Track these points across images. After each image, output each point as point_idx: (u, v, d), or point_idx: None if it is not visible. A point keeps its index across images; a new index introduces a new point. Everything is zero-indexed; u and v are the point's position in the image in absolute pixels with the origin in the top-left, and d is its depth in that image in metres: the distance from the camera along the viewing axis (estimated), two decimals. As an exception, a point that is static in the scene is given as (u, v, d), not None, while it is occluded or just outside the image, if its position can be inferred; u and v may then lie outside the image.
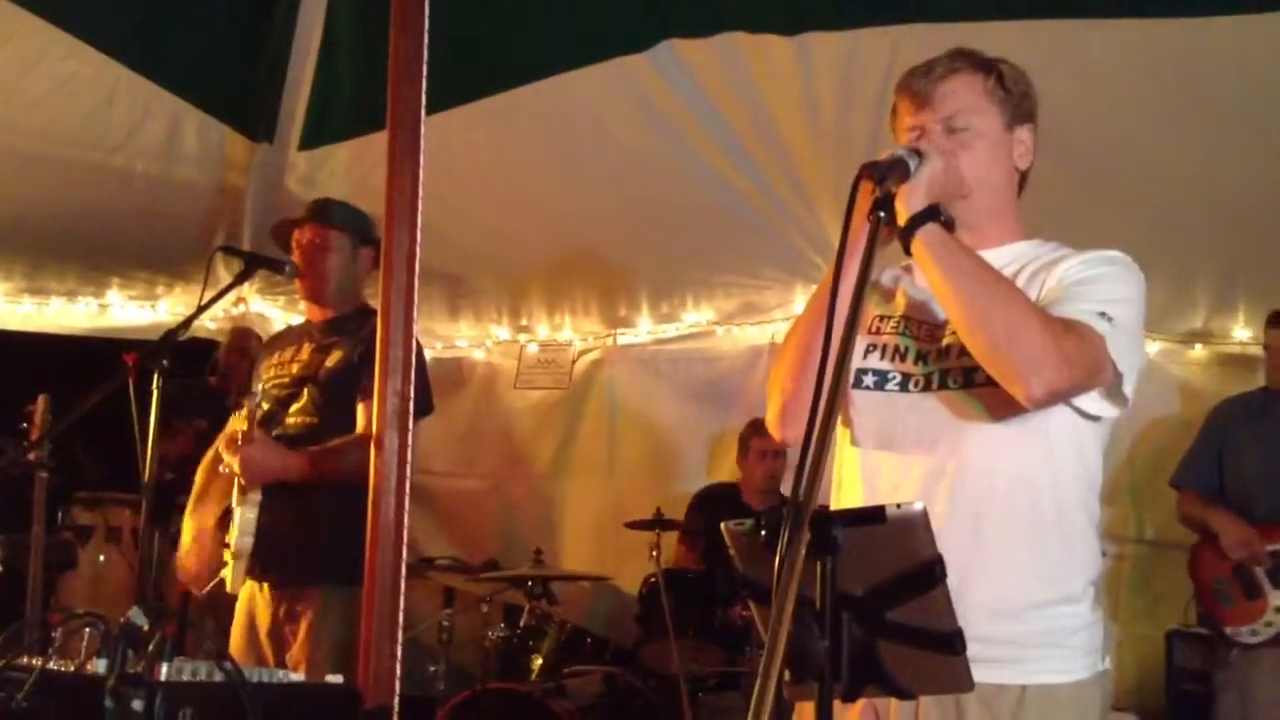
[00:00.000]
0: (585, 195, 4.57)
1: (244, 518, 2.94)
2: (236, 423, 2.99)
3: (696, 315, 5.45)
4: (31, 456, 3.23)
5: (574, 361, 5.90)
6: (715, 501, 4.71)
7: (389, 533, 2.31)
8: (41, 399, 3.43)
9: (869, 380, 1.80)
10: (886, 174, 1.62)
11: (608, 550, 5.18)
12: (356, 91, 4.40)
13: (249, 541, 2.93)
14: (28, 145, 4.21)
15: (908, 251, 1.67)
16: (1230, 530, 3.79)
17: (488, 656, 4.08)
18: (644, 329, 5.64)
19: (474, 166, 4.42)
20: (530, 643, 4.55)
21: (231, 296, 5.66)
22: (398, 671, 2.26)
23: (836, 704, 1.31)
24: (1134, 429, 4.39)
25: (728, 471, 5.01)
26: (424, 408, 2.84)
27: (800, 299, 5.05)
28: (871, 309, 1.86)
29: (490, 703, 3.25)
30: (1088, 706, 1.69)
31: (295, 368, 3.20)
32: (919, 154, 1.68)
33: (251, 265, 3.18)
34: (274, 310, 6.24)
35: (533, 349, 6.05)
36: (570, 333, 5.92)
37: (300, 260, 3.26)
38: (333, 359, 3.15)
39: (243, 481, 2.95)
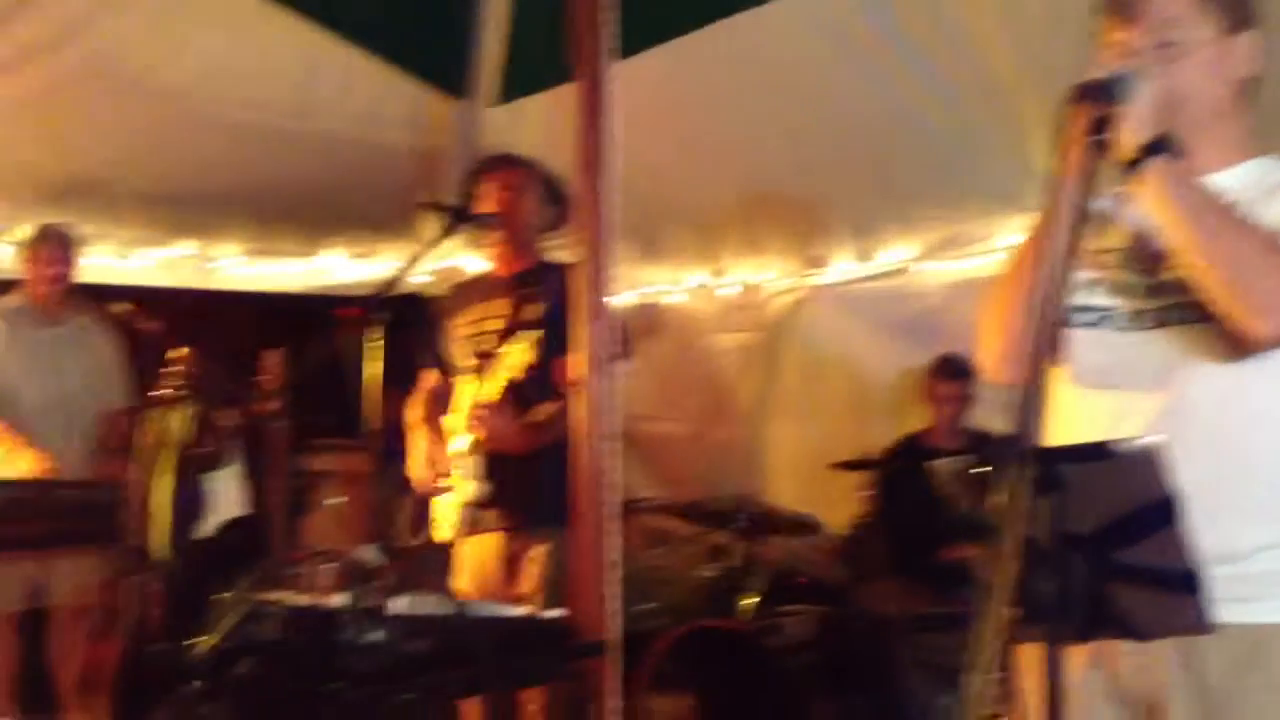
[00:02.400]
0: (778, 134, 4.50)
1: (472, 467, 3.06)
2: (471, 387, 3.09)
3: (896, 252, 5.31)
4: (269, 408, 3.45)
5: (770, 303, 5.87)
6: (905, 454, 4.62)
7: (597, 476, 2.37)
8: (275, 353, 3.66)
9: (1090, 317, 1.72)
10: (1105, 95, 1.52)
11: (814, 491, 5.16)
12: (548, 43, 4.44)
13: (478, 489, 3.05)
14: (243, 116, 4.45)
15: (1130, 182, 1.58)
16: None
17: (698, 596, 4.13)
18: (842, 267, 5.54)
19: (664, 110, 4.41)
20: (740, 582, 4.60)
21: (439, 251, 5.92)
22: (612, 608, 2.33)
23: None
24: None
25: (914, 412, 4.89)
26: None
27: (1006, 231, 4.85)
28: (1089, 241, 1.77)
29: (705, 639, 3.31)
30: None
31: (496, 321, 3.28)
32: (1136, 74, 1.57)
33: (457, 219, 3.29)
34: (479, 263, 6.44)
35: (728, 292, 6.05)
36: (766, 274, 5.88)
37: (497, 206, 3.33)
38: (533, 311, 3.21)
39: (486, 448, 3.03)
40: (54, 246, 4.27)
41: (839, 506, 4.82)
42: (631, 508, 5.07)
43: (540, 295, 3.26)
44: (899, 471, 4.56)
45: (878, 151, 4.44)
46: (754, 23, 3.92)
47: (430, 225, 4.89)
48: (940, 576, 4.11)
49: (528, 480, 3.03)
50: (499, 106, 4.80)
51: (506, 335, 3.21)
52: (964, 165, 4.35)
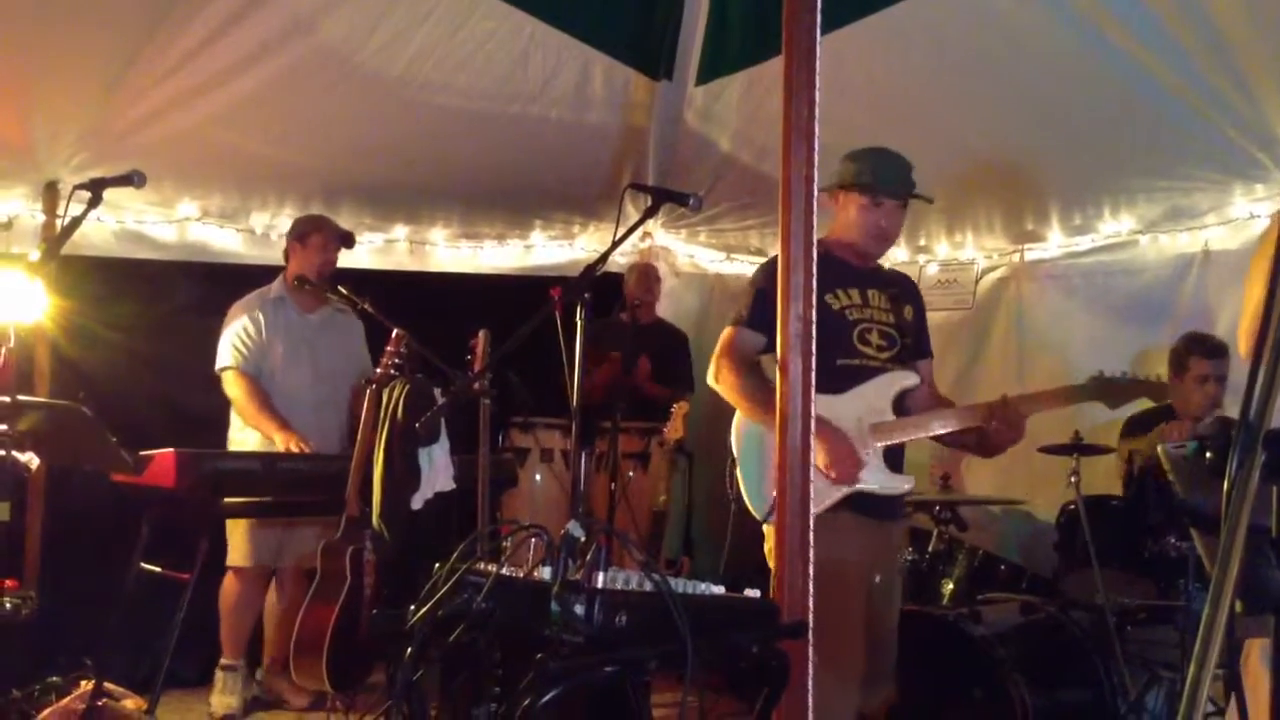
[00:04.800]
0: (985, 104, 4.34)
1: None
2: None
3: (1115, 225, 5.05)
4: (476, 386, 3.58)
5: (978, 280, 5.69)
6: (1148, 427, 4.37)
7: (796, 457, 2.35)
8: (482, 334, 3.80)
9: None
10: None
11: (1019, 475, 4.98)
12: (748, 21, 4.44)
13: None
14: (457, 102, 4.60)
15: None
16: None
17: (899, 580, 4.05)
18: (1054, 243, 5.31)
19: (867, 84, 4.32)
20: (940, 568, 4.50)
21: (639, 231, 6.01)
22: (810, 589, 2.31)
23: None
24: None
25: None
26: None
27: (1239, 201, 4.53)
28: None
29: (905, 625, 3.25)
30: None
31: (880, 312, 3.34)
32: None
33: (658, 200, 3.32)
34: (677, 243, 6.51)
35: (933, 269, 5.90)
36: (973, 250, 5.71)
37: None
38: (910, 312, 3.37)
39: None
40: (319, 236, 4.58)
41: (1047, 490, 4.63)
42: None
43: (913, 297, 3.41)
44: (1134, 454, 4.35)
45: (1097, 119, 4.22)
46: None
47: (631, 205, 4.99)
48: (1154, 567, 3.90)
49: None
50: (700, 87, 4.81)
51: (904, 334, 3.29)
52: (1188, 132, 4.09)
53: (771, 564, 2.48)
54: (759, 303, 3.17)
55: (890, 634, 3.24)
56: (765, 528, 3.01)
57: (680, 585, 1.92)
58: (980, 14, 3.88)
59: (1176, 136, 4.19)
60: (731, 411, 3.24)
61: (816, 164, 2.43)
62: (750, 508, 3.18)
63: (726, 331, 3.28)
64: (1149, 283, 4.97)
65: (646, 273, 5.88)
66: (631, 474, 5.16)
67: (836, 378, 3.14)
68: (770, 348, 3.12)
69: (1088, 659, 3.82)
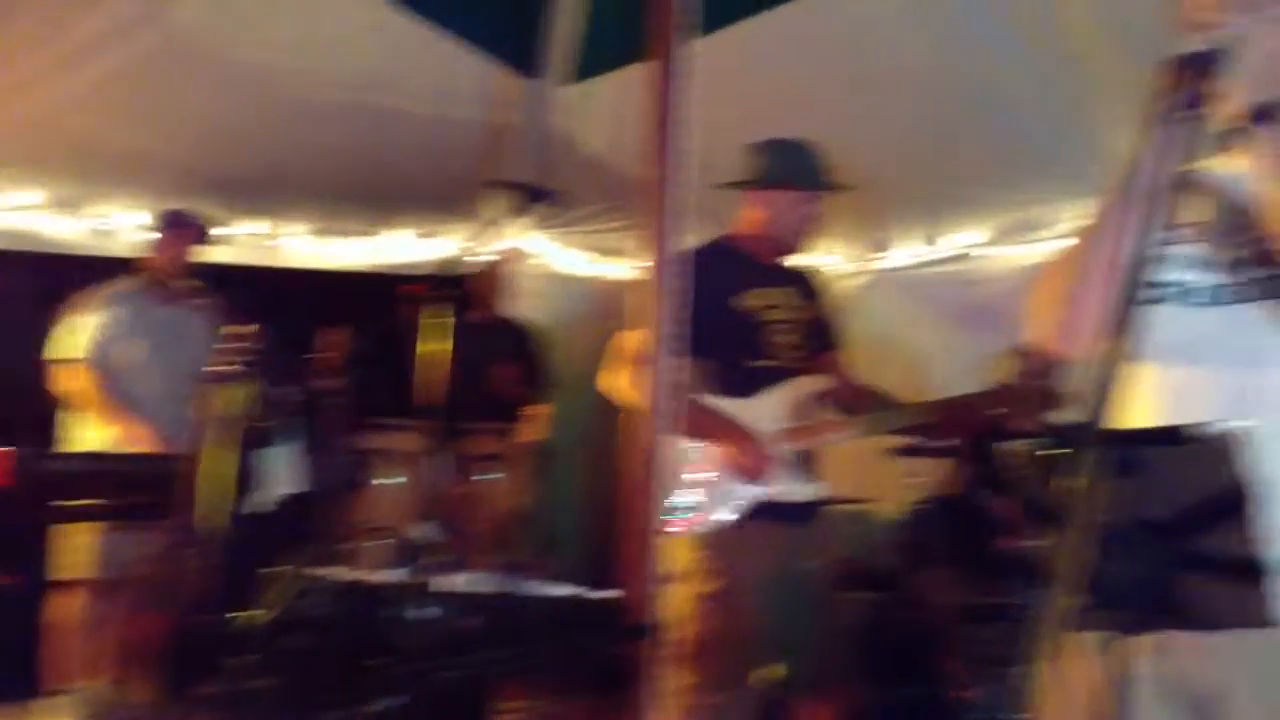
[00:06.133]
0: (845, 113, 4.42)
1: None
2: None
3: (965, 236, 5.20)
4: (329, 385, 3.48)
5: (832, 287, 5.79)
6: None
7: (655, 458, 2.33)
8: (338, 332, 3.69)
9: (1169, 292, 1.65)
10: (1198, 64, 1.45)
11: (868, 477, 5.08)
12: (622, 21, 4.41)
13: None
14: (318, 93, 4.46)
15: (1228, 154, 1.52)
16: None
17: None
18: (907, 252, 5.44)
19: (737, 91, 4.35)
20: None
21: (512, 231, 5.92)
22: (657, 590, 2.30)
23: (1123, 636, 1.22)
24: None
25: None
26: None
27: (1082, 215, 4.71)
28: (1173, 214, 1.70)
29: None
30: None
31: (787, 312, 3.29)
32: (1232, 43, 1.50)
33: (524, 197, 3.27)
34: (548, 244, 6.45)
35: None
36: (829, 257, 5.80)
37: None
38: (819, 309, 3.38)
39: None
40: (178, 230, 4.40)
41: (897, 492, 4.73)
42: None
43: (818, 291, 3.35)
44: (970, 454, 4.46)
45: (947, 133, 4.33)
46: (827, 2, 3.83)
47: (496, 204, 4.91)
48: (999, 565, 4.01)
49: None
50: (571, 85, 4.77)
51: (814, 330, 3.23)
52: (1035, 146, 4.23)
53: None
54: None
55: (822, 640, 3.14)
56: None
57: (533, 588, 1.89)
58: (845, 25, 3.95)
59: (1028, 152, 4.33)
60: (614, 413, 3.13)
61: (683, 169, 2.43)
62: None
63: (630, 333, 3.12)
64: (996, 293, 5.12)
65: (498, 271, 5.78)
66: (489, 475, 5.08)
67: (748, 380, 3.10)
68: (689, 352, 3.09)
69: (927, 657, 3.89)
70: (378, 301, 3.14)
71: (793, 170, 3.19)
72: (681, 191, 2.39)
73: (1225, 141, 1.51)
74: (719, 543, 3.01)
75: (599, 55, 4.51)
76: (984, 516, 4.06)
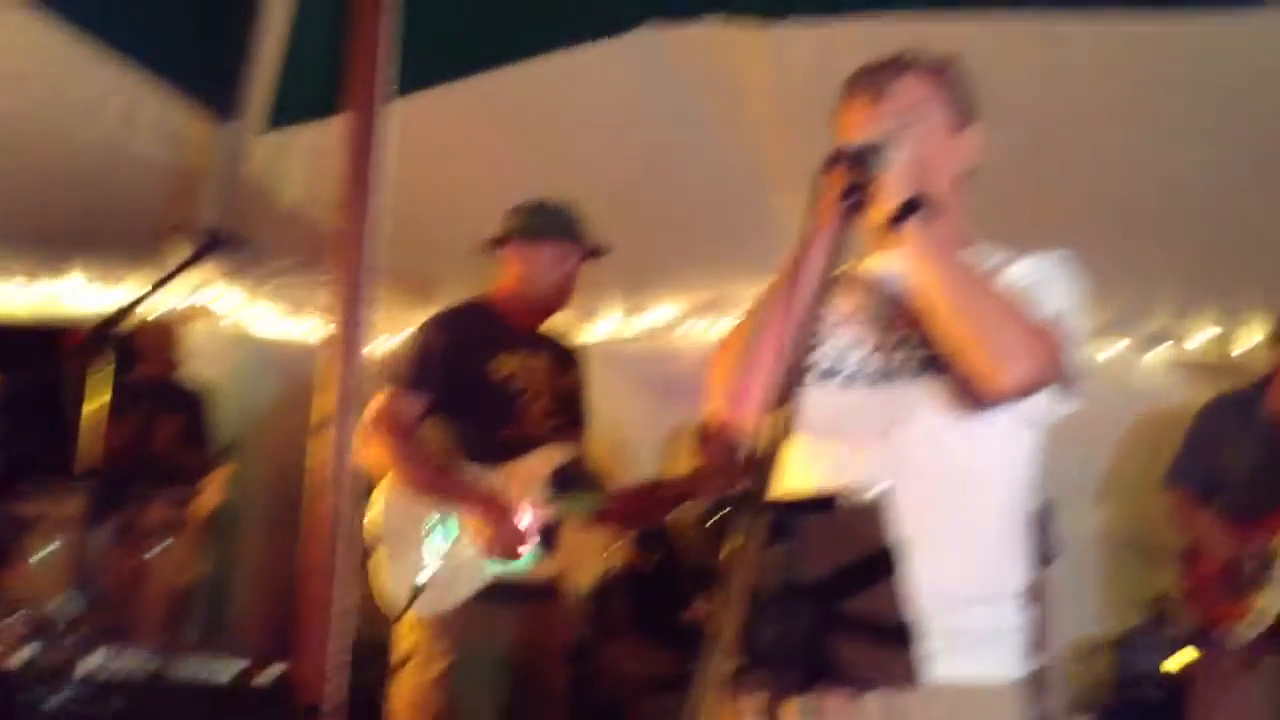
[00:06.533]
0: (553, 183, 4.48)
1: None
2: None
3: (663, 309, 5.39)
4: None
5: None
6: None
7: (332, 525, 2.24)
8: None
9: (821, 369, 1.77)
10: (857, 161, 1.58)
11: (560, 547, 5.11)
12: (325, 73, 4.28)
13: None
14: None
15: (888, 243, 1.64)
16: (1207, 533, 3.79)
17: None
18: (609, 323, 5.57)
19: (444, 153, 4.34)
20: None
21: (193, 282, 5.60)
22: (339, 664, 2.19)
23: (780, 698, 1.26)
24: (1089, 431, 4.37)
25: (683, 469, 4.94)
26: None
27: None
28: (832, 298, 1.82)
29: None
30: (1019, 705, 1.69)
31: (540, 378, 3.23)
32: (886, 143, 1.64)
33: (207, 245, 3.09)
34: (234, 298, 6.13)
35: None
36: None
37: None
38: (576, 380, 3.32)
39: None
40: None
41: (586, 562, 4.79)
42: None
43: (575, 365, 3.27)
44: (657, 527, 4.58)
45: (648, 209, 4.50)
46: (539, 70, 3.90)
47: (178, 251, 4.63)
48: (684, 635, 4.12)
49: None
50: (268, 133, 4.59)
51: (567, 403, 3.15)
52: (729, 223, 4.46)
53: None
54: (420, 361, 3.00)
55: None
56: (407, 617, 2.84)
57: (192, 668, 1.75)
58: (556, 96, 4.03)
59: (721, 232, 4.56)
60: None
61: (380, 225, 2.39)
62: (388, 593, 2.93)
63: (379, 396, 3.01)
64: (691, 365, 5.32)
65: (169, 327, 5.44)
66: (157, 546, 4.72)
67: (497, 450, 3.02)
68: (432, 412, 2.97)
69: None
70: (49, 352, 2.84)
71: (547, 226, 3.19)
72: (371, 248, 2.34)
73: (881, 233, 1.64)
74: (449, 624, 2.91)
75: (299, 103, 4.38)
76: (669, 585, 4.17)
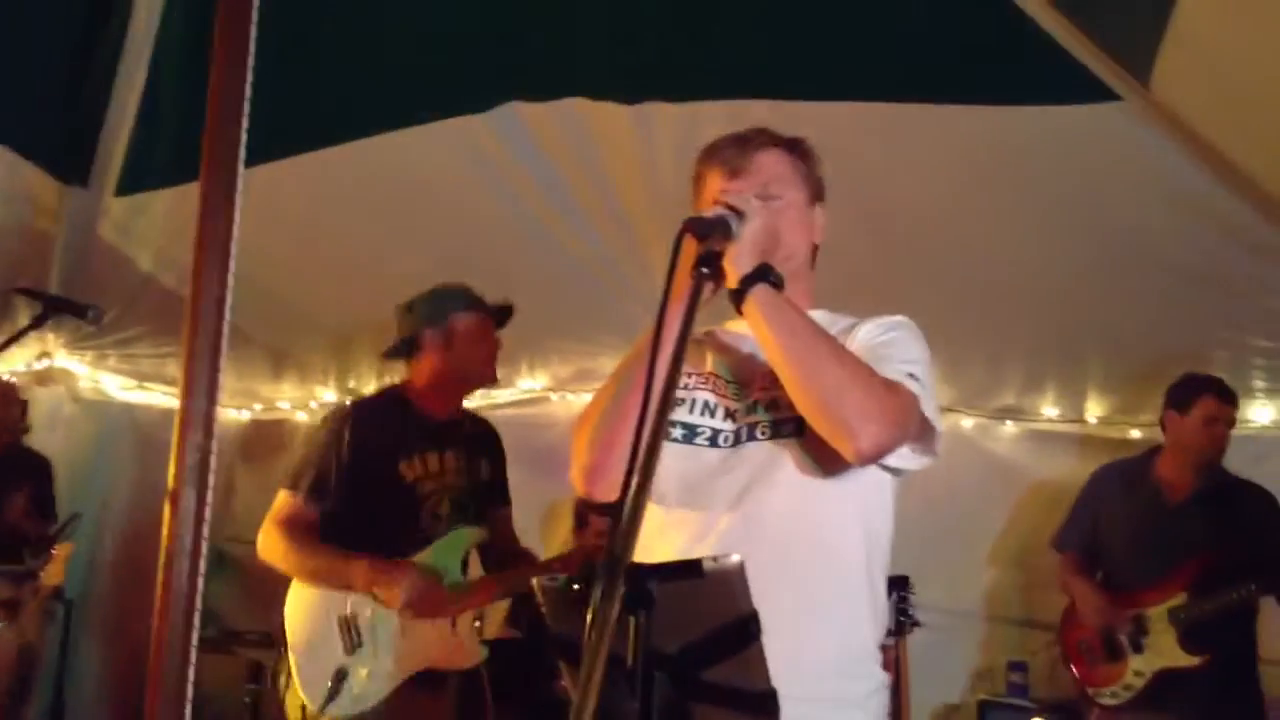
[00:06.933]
0: (417, 256, 4.46)
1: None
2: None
3: (531, 381, 5.38)
4: None
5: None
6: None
7: (180, 598, 2.14)
8: None
9: (677, 433, 1.78)
10: (710, 230, 1.62)
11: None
12: (179, 138, 4.21)
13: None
14: None
15: (739, 310, 1.68)
16: (1086, 598, 3.91)
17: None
18: (476, 394, 5.52)
19: (303, 222, 4.28)
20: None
21: (35, 349, 5.36)
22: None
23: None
24: (944, 502, 4.50)
25: (560, 542, 4.90)
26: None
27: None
28: (688, 363, 1.85)
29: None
30: None
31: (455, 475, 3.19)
32: (739, 213, 1.68)
33: (50, 309, 2.96)
34: (81, 366, 5.89)
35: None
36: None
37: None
38: (489, 471, 3.31)
39: None
40: None
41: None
42: (229, 639, 4.71)
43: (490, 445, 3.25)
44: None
45: (516, 280, 4.49)
46: (401, 143, 3.89)
47: (19, 316, 4.43)
48: (552, 709, 4.05)
49: None
50: (120, 198, 4.46)
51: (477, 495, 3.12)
52: (595, 299, 4.49)
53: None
54: (322, 465, 2.95)
55: None
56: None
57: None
58: (418, 170, 4.02)
59: (587, 305, 4.59)
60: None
61: (230, 289, 2.33)
62: (302, 696, 2.84)
63: (282, 497, 2.97)
64: (559, 437, 5.31)
65: (13, 392, 5.19)
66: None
67: (405, 551, 2.98)
68: (334, 514, 2.92)
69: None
70: None
71: (452, 303, 3.19)
72: (223, 311, 2.28)
73: (736, 300, 1.67)
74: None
75: (153, 169, 4.27)
76: (539, 657, 4.10)
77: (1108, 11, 2.82)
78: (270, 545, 2.94)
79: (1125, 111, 3.05)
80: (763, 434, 1.75)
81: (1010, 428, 4.82)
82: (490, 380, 3.33)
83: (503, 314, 3.32)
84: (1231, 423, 3.83)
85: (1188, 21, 2.58)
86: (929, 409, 1.72)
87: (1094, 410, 4.65)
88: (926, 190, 3.67)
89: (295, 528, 2.93)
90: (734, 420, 1.78)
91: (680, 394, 1.80)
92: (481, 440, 3.33)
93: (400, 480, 3.01)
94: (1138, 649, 3.78)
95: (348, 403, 3.18)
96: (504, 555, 3.28)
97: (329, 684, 2.80)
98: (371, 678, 2.85)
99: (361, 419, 3.05)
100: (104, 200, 4.47)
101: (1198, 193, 3.25)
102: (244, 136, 2.33)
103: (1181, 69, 2.74)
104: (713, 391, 1.83)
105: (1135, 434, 4.52)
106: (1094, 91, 3.04)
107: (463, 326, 3.19)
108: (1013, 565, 4.70)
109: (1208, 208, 3.30)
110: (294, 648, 2.92)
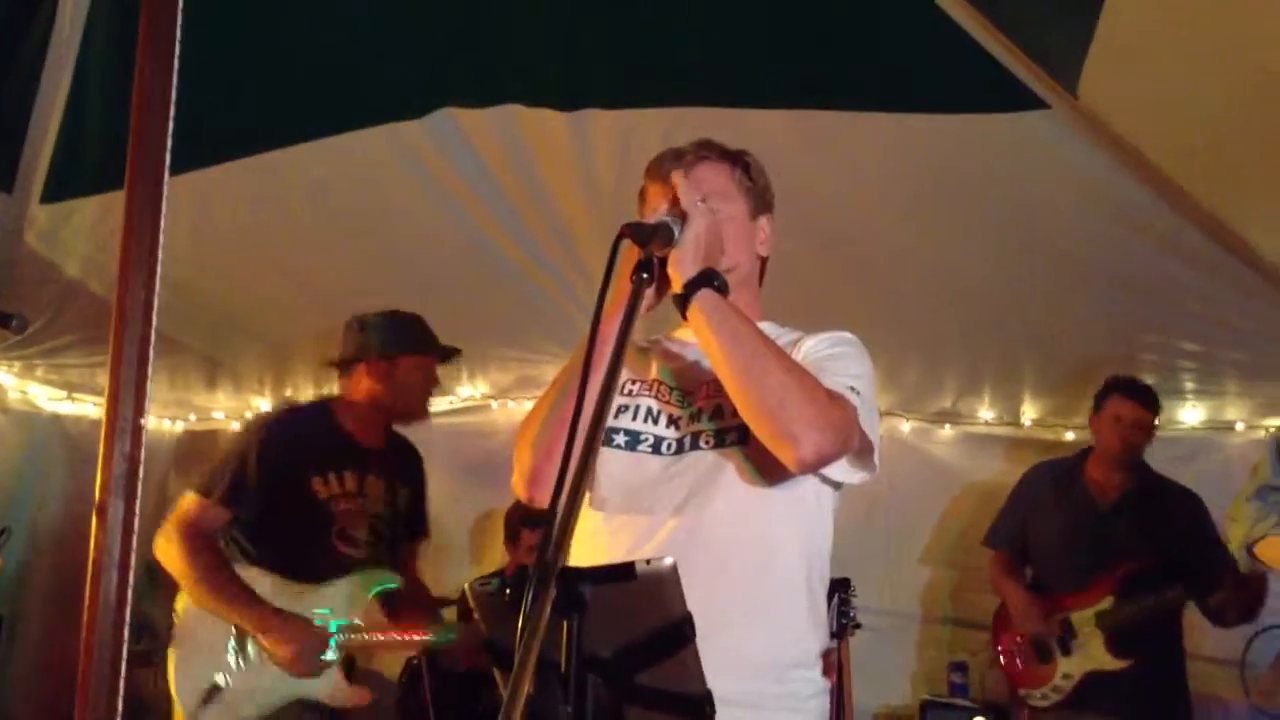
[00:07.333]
0: (355, 262, 4.42)
1: None
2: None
3: (470, 389, 5.34)
4: None
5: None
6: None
7: (109, 611, 2.09)
8: None
9: (620, 440, 1.78)
10: (650, 236, 1.61)
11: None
12: (106, 144, 4.12)
13: None
14: None
15: (684, 315, 1.67)
16: (1016, 602, 3.95)
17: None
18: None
19: (236, 229, 4.21)
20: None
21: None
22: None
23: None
24: (885, 505, 4.54)
25: (499, 553, 4.86)
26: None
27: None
28: (630, 369, 1.85)
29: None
30: None
31: (377, 503, 3.21)
32: (681, 218, 1.68)
33: (-28, 320, 2.88)
34: (7, 376, 5.74)
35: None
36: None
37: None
38: (405, 500, 3.29)
39: None
40: None
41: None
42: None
43: (411, 472, 3.23)
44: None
45: (458, 289, 4.47)
46: (336, 148, 3.84)
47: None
48: (489, 715, 4.02)
49: None
50: (45, 205, 4.36)
51: (394, 523, 3.10)
52: (536, 307, 4.48)
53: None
54: (236, 473, 2.90)
55: None
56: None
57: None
58: (355, 176, 3.97)
59: (527, 313, 4.57)
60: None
61: (157, 296, 2.29)
62: (175, 698, 2.84)
63: (188, 499, 2.92)
64: (500, 446, 5.28)
65: None
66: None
67: (312, 569, 2.94)
68: (243, 524, 2.88)
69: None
70: None
71: (402, 340, 3.17)
72: (150, 318, 2.24)
73: (681, 306, 1.66)
74: None
75: (79, 176, 4.18)
76: (480, 672, 4.07)
77: (1035, 21, 2.86)
78: (169, 553, 2.88)
79: (1053, 120, 3.10)
80: (706, 442, 1.74)
81: (948, 431, 4.88)
82: (422, 418, 3.30)
83: (449, 355, 3.32)
84: (1144, 422, 3.89)
85: (1114, 31, 2.63)
86: (868, 424, 1.72)
87: (1029, 413, 4.73)
88: (860, 198, 3.70)
89: (197, 536, 2.89)
90: (678, 428, 1.78)
91: (624, 401, 1.80)
92: (404, 466, 3.30)
93: (312, 496, 2.97)
94: (1066, 652, 3.84)
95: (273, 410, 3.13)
96: (406, 599, 3.24)
97: (204, 690, 2.76)
98: (251, 696, 2.84)
99: (279, 428, 3.01)
100: (29, 208, 4.36)
101: (1126, 200, 3.31)
102: (169, 143, 2.29)
103: (1108, 77, 2.78)
104: (657, 398, 1.82)
105: (1069, 436, 4.62)
106: (1022, 100, 3.08)
107: (409, 366, 3.21)
108: (948, 565, 4.75)
109: (1136, 214, 3.36)
110: (179, 644, 2.91)
